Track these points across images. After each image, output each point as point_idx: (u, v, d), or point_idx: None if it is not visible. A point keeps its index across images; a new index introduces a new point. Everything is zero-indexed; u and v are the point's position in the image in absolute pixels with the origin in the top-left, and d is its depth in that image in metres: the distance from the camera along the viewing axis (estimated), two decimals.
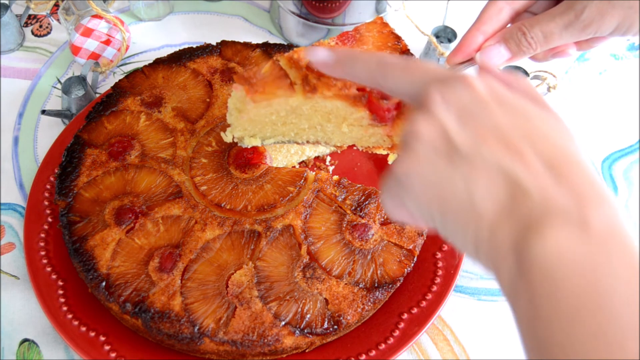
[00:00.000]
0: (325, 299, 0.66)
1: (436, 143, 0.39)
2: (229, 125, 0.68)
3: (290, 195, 0.72)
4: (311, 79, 0.58)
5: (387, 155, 0.67)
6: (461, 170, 0.37)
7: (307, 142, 0.67)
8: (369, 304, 0.66)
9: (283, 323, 0.63)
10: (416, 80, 0.43)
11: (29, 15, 1.07)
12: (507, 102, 0.39)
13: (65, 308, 0.67)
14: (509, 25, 0.60)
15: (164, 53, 0.90)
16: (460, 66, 0.59)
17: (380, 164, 0.85)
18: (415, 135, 0.40)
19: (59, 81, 0.97)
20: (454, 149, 0.38)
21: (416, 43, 1.00)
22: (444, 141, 0.39)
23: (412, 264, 0.69)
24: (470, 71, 0.44)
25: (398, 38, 0.65)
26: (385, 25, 0.66)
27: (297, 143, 0.68)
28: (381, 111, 0.57)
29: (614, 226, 0.33)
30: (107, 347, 0.65)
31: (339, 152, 0.85)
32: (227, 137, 0.69)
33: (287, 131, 0.65)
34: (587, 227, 0.33)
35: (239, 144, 0.70)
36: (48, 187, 0.78)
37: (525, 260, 0.34)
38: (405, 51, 0.65)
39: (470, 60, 0.59)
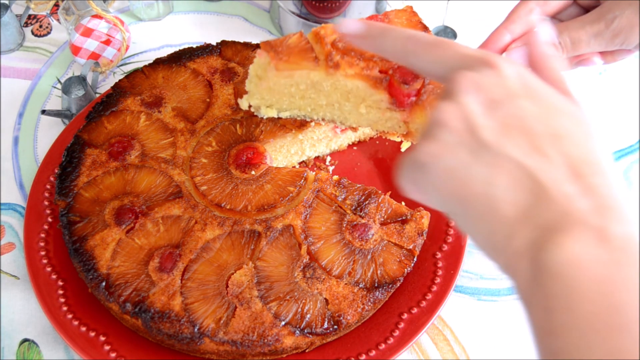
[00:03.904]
0: (325, 299, 0.66)
1: (461, 134, 0.38)
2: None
3: (290, 195, 0.72)
4: (334, 56, 0.58)
5: (390, 153, 0.67)
6: (485, 165, 0.36)
7: (323, 119, 0.66)
8: (369, 304, 0.66)
9: (283, 323, 0.63)
10: (445, 61, 0.42)
11: (29, 15, 1.07)
12: (537, 94, 0.38)
13: (65, 308, 0.67)
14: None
15: (164, 53, 0.90)
16: None
17: (380, 164, 0.85)
18: (440, 123, 0.39)
19: (59, 81, 0.97)
20: (479, 141, 0.37)
21: None
22: (470, 133, 0.37)
23: (412, 264, 0.69)
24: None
25: (425, 28, 0.66)
26: (414, 14, 0.67)
27: (313, 119, 0.67)
28: (401, 96, 0.56)
29: (632, 239, 0.33)
30: (107, 347, 0.65)
31: (343, 135, 0.85)
32: (244, 104, 0.68)
33: (305, 105, 0.65)
34: (606, 239, 0.32)
35: (255, 114, 0.69)
36: (48, 187, 0.78)
37: (542, 266, 0.33)
38: None
39: None
